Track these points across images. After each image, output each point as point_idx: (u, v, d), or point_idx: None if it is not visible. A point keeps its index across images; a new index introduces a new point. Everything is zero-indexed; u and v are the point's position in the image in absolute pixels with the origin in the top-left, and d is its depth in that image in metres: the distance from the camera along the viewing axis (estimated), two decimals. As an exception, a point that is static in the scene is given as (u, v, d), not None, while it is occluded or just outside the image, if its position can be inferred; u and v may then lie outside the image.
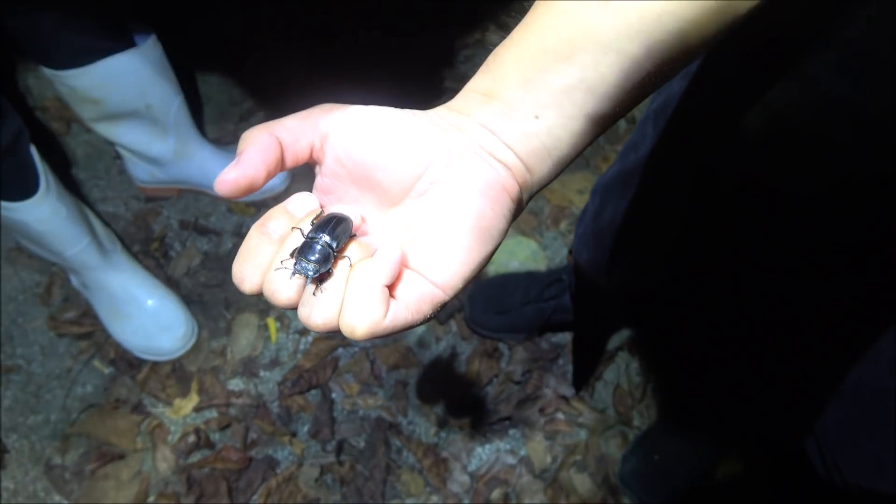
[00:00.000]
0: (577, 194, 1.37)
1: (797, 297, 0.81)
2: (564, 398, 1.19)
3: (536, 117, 0.32)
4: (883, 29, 0.45)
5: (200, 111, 1.39)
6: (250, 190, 0.32)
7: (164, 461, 1.08)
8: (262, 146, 0.32)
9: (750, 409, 1.10)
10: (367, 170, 0.33)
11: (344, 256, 0.32)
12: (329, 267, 0.32)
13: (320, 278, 0.32)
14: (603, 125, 0.33)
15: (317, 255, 0.31)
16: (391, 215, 0.34)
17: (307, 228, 0.33)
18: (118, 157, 1.33)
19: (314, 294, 0.32)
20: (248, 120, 1.40)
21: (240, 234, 1.29)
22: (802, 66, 0.50)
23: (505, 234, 0.34)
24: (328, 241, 0.32)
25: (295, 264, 0.32)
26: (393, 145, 0.32)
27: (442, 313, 1.24)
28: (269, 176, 0.33)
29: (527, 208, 1.36)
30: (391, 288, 0.31)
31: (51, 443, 1.09)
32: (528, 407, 1.18)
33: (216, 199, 1.31)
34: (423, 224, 0.32)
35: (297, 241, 0.33)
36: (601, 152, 1.43)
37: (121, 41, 1.06)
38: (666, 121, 0.65)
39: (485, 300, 1.21)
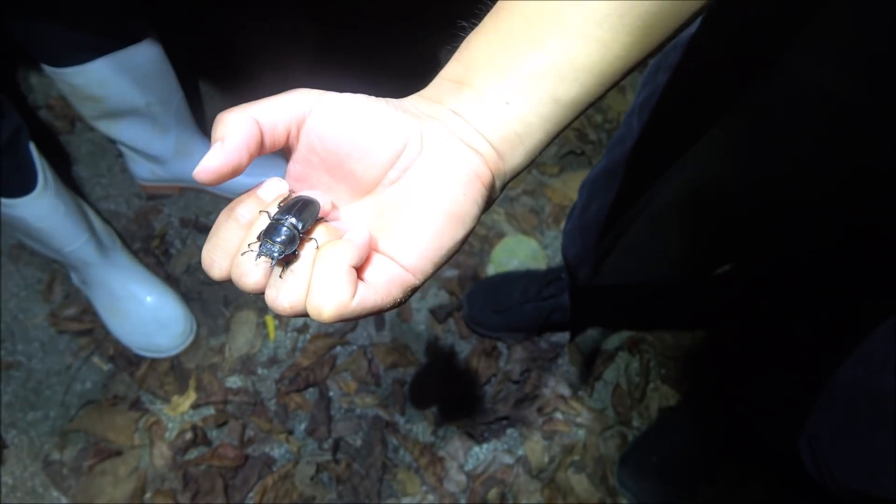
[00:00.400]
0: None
1: (790, 296, 0.80)
2: (563, 398, 1.18)
3: (507, 103, 0.32)
4: (864, 17, 0.44)
5: (201, 109, 1.39)
6: (233, 176, 0.32)
7: (161, 458, 1.08)
8: (244, 130, 0.31)
9: (748, 411, 1.09)
10: (340, 157, 0.33)
11: (311, 238, 0.32)
12: (295, 248, 0.31)
13: (286, 260, 0.31)
14: (574, 110, 0.33)
15: (282, 237, 0.31)
16: (363, 203, 0.34)
17: (274, 211, 0.33)
18: (120, 155, 1.34)
19: (280, 276, 0.31)
20: (249, 118, 1.41)
21: (240, 232, 1.29)
22: (785, 57, 0.50)
23: (477, 220, 0.34)
24: (294, 223, 0.31)
25: (260, 246, 0.31)
26: (367, 132, 0.32)
27: (441, 312, 1.24)
28: (250, 161, 0.32)
29: (528, 207, 1.35)
30: (360, 271, 0.31)
31: (49, 439, 1.10)
32: (526, 406, 1.17)
33: (217, 198, 1.32)
34: (395, 209, 0.32)
35: (265, 224, 0.32)
36: (602, 150, 1.42)
37: (121, 39, 1.07)
38: (649, 113, 0.64)
39: (484, 299, 1.21)
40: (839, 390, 0.70)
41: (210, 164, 0.31)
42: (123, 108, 1.13)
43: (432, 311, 1.24)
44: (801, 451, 0.76)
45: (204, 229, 1.29)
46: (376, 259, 0.32)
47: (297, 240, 0.31)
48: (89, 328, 1.18)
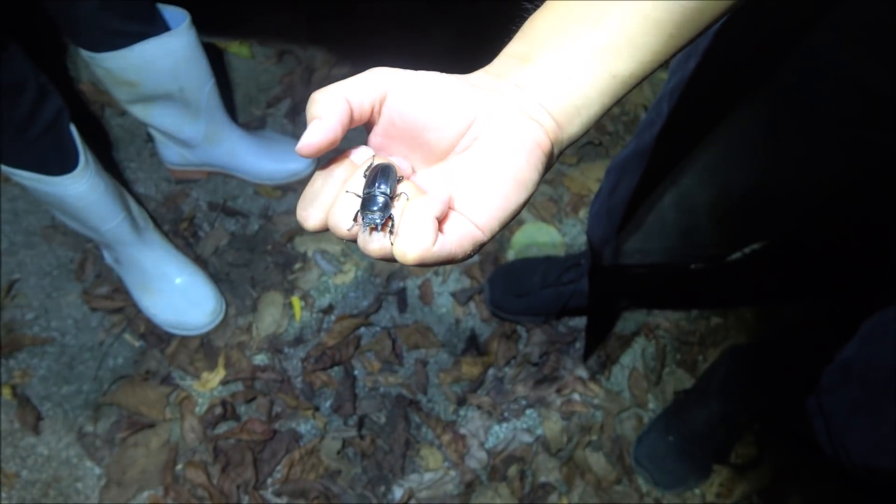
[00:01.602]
0: (597, 183, 1.39)
1: (806, 279, 0.82)
2: (581, 380, 1.21)
3: (568, 77, 0.35)
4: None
5: (229, 97, 1.43)
6: (330, 147, 0.35)
7: (192, 431, 1.12)
8: (337, 108, 0.35)
9: (762, 392, 1.12)
10: (417, 129, 0.36)
11: (400, 195, 0.36)
12: (391, 212, 0.35)
13: (385, 223, 0.35)
14: (629, 84, 0.36)
15: (378, 205, 0.35)
16: (437, 168, 0.37)
17: (361, 181, 0.36)
18: (149, 140, 1.37)
19: (384, 234, 0.35)
20: (275, 106, 1.44)
21: (266, 216, 1.32)
22: (808, 41, 0.53)
23: (537, 185, 0.37)
24: (383, 190, 0.35)
25: (363, 219, 0.35)
26: (441, 106, 0.35)
27: (462, 295, 1.27)
28: (344, 134, 0.36)
29: (547, 196, 1.38)
30: (440, 223, 0.34)
31: (83, 412, 1.13)
32: (545, 388, 1.20)
33: (244, 182, 1.35)
34: (466, 174, 0.35)
35: (358, 181, 0.36)
36: (620, 142, 1.46)
37: (156, 25, 1.10)
38: (677, 98, 0.67)
39: (504, 283, 1.24)
40: (854, 370, 0.73)
41: (312, 139, 0.35)
42: (157, 93, 1.16)
43: (454, 295, 1.27)
44: (816, 430, 0.79)
45: (231, 213, 1.32)
46: (452, 215, 0.35)
47: (390, 205, 0.35)
48: (121, 306, 1.21)
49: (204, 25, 1.48)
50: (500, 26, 0.40)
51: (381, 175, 0.36)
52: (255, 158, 1.32)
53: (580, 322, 1.26)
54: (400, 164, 0.38)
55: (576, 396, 1.21)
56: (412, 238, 0.33)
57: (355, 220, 0.35)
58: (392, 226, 0.35)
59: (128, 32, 1.06)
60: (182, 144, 1.28)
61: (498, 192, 0.35)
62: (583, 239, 1.34)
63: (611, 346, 1.25)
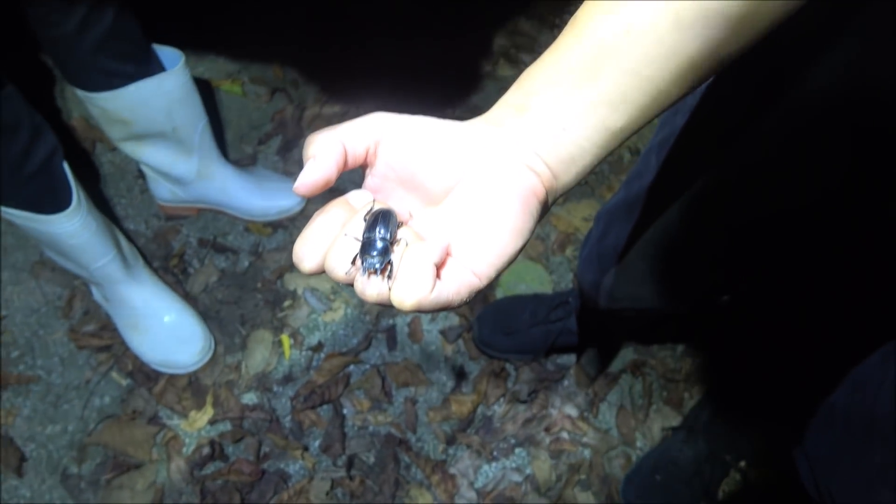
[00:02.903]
0: (583, 221, 1.42)
1: (792, 321, 0.84)
2: (569, 418, 1.22)
3: (563, 129, 0.37)
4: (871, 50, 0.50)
5: (221, 134, 1.44)
6: (325, 188, 0.36)
7: (179, 472, 1.10)
8: (333, 150, 0.36)
9: (748, 431, 1.14)
10: (413, 172, 0.38)
11: (399, 240, 0.36)
12: (390, 257, 0.36)
13: (384, 268, 0.36)
14: (622, 137, 0.38)
15: (378, 250, 0.35)
16: (433, 212, 0.38)
17: (360, 225, 0.37)
18: (140, 176, 1.38)
19: (382, 279, 0.36)
20: (266, 143, 1.46)
21: (256, 253, 1.33)
22: (792, 99, 0.56)
23: (532, 232, 0.38)
24: (383, 235, 0.36)
25: (362, 263, 0.35)
26: (437, 152, 0.37)
27: (451, 333, 1.28)
28: (339, 175, 0.37)
29: (534, 235, 1.40)
30: (438, 270, 0.35)
31: (68, 452, 1.12)
32: (533, 426, 1.21)
33: (234, 219, 1.36)
34: (464, 222, 0.36)
35: (357, 225, 0.37)
36: (606, 182, 1.49)
37: (151, 65, 1.11)
38: (667, 152, 0.70)
39: (493, 321, 1.25)
40: (837, 413, 0.75)
41: (307, 178, 0.36)
42: (151, 131, 1.17)
43: (443, 333, 1.28)
44: (801, 473, 0.80)
45: (221, 249, 1.32)
46: (450, 262, 0.36)
47: (389, 250, 0.36)
48: (108, 344, 1.21)
49: (197, 64, 1.51)
50: (487, 80, 0.42)
51: (382, 220, 0.37)
52: (246, 195, 1.33)
53: (568, 360, 1.27)
54: (398, 209, 0.38)
55: (564, 435, 1.21)
56: (410, 284, 0.33)
57: (353, 263, 0.36)
58: (390, 271, 0.35)
59: (123, 73, 1.08)
60: (174, 181, 1.29)
61: (495, 240, 0.36)
62: (570, 277, 1.36)
63: (598, 384, 1.27)
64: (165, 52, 1.14)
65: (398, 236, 0.36)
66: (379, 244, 0.36)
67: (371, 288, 0.35)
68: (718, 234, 0.74)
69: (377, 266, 0.35)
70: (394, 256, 0.36)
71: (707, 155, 0.68)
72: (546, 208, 0.38)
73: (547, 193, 0.37)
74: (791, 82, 0.56)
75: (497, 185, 0.36)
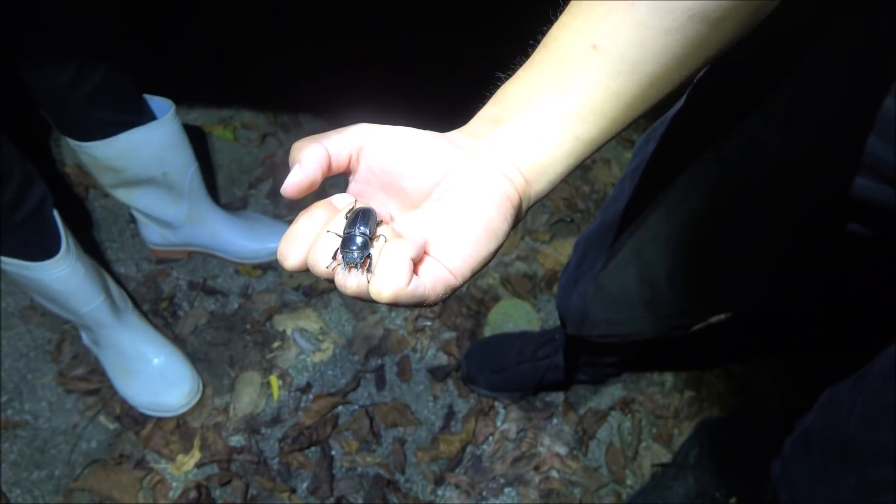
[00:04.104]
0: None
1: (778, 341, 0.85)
2: (558, 456, 1.22)
3: (536, 139, 0.39)
4: (814, 85, 0.52)
5: (213, 178, 1.47)
6: (310, 190, 0.38)
7: (165, 517, 1.10)
8: (317, 155, 0.38)
9: (736, 466, 1.13)
10: (393, 178, 0.40)
11: (378, 237, 0.38)
12: (370, 251, 0.37)
13: (363, 262, 0.38)
14: (592, 147, 0.40)
15: (357, 244, 0.37)
16: (412, 216, 0.40)
17: (342, 222, 0.39)
18: (132, 220, 1.40)
19: (361, 273, 0.37)
20: (256, 187, 1.48)
21: (246, 295, 1.34)
22: (748, 120, 0.58)
23: (507, 235, 0.40)
24: (363, 231, 0.38)
25: (342, 258, 0.37)
26: (417, 159, 0.39)
27: (440, 372, 1.28)
28: (323, 179, 0.39)
29: (521, 272, 1.42)
30: (415, 266, 0.37)
31: (54, 498, 1.11)
32: (522, 465, 1.21)
33: (224, 261, 1.37)
34: (441, 222, 0.38)
35: (339, 223, 0.39)
36: (591, 218, 1.51)
37: (143, 114, 1.14)
38: (641, 178, 0.72)
39: (481, 359, 1.26)
40: (813, 439, 0.75)
41: (294, 180, 0.38)
42: (141, 177, 1.20)
43: (431, 372, 1.29)
44: (781, 500, 0.80)
45: (211, 292, 1.34)
46: (427, 260, 0.38)
47: (369, 245, 0.38)
48: (97, 388, 1.21)
49: (190, 110, 1.54)
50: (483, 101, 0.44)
51: (362, 217, 0.39)
52: (236, 238, 1.35)
53: (557, 397, 1.28)
54: (379, 210, 0.40)
55: (554, 473, 1.21)
56: (388, 277, 0.35)
57: (334, 258, 0.37)
58: (370, 266, 0.37)
59: (115, 122, 1.10)
60: (164, 225, 1.31)
61: (470, 239, 0.37)
62: (557, 314, 1.37)
63: (587, 421, 1.26)
64: (156, 102, 1.17)
65: (378, 233, 0.38)
66: (359, 239, 0.37)
67: (351, 280, 0.37)
68: (688, 264, 0.75)
69: (357, 260, 0.37)
70: (373, 251, 0.37)
71: (676, 181, 0.70)
72: (520, 214, 0.40)
73: (521, 199, 0.39)
74: (748, 110, 0.58)
75: (473, 190, 0.38)
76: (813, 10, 0.50)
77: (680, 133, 0.70)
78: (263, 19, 1.69)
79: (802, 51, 0.52)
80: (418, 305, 0.37)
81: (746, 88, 0.58)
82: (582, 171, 1.60)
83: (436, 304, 0.38)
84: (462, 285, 0.39)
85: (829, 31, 0.50)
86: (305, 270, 0.39)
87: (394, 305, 0.36)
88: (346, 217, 0.39)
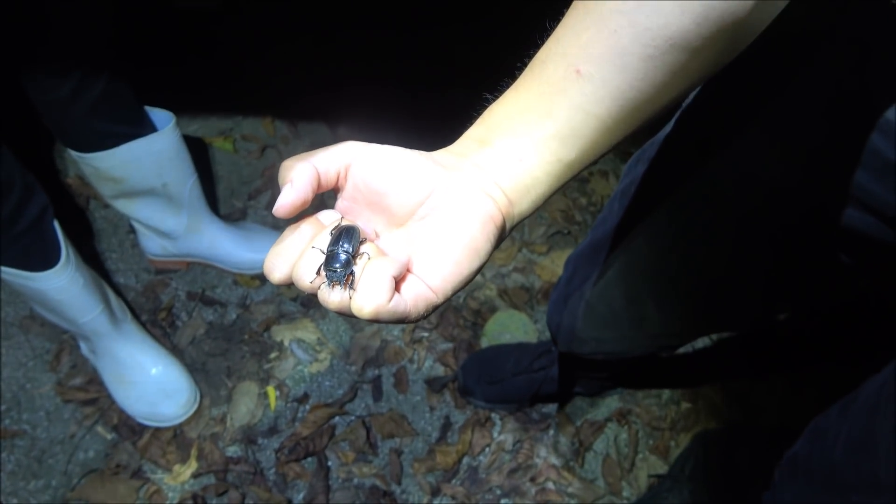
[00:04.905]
0: (566, 270, 1.44)
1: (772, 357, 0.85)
2: (555, 468, 1.22)
3: (520, 160, 0.40)
4: (800, 108, 0.53)
5: (212, 189, 1.48)
6: (302, 208, 0.39)
7: (161, 527, 1.10)
8: (307, 174, 0.39)
9: (732, 479, 1.13)
10: (379, 196, 0.40)
11: (362, 254, 0.39)
12: (352, 268, 0.38)
13: (346, 279, 0.38)
14: (574, 169, 0.41)
15: (340, 262, 0.38)
16: (397, 233, 0.41)
17: (327, 239, 0.40)
18: (131, 231, 1.41)
19: (344, 290, 0.38)
20: (256, 198, 1.49)
21: (244, 305, 1.35)
22: (736, 147, 0.59)
23: (490, 255, 0.40)
24: (346, 248, 0.39)
25: (326, 274, 0.38)
26: (402, 177, 0.40)
27: (436, 384, 1.28)
28: (313, 196, 0.39)
29: (519, 284, 1.42)
30: (398, 284, 0.37)
31: (50, 508, 1.11)
32: (519, 476, 1.21)
33: (223, 272, 1.38)
34: (424, 241, 0.39)
35: (324, 239, 0.39)
36: (587, 231, 1.51)
37: (144, 126, 1.16)
38: (630, 199, 0.73)
39: (477, 370, 1.26)
40: (800, 463, 0.76)
41: (286, 200, 0.38)
42: (141, 188, 1.21)
43: (428, 383, 1.29)
44: None
45: (210, 302, 1.34)
46: (409, 277, 0.38)
47: (351, 262, 0.38)
48: (94, 398, 1.21)
49: (191, 122, 1.56)
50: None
51: (346, 235, 0.39)
52: (235, 249, 1.36)
53: (553, 409, 1.28)
54: (364, 228, 0.41)
55: (550, 485, 1.21)
56: (369, 294, 0.36)
57: (318, 274, 0.38)
58: (352, 282, 0.38)
59: (116, 134, 1.11)
60: (164, 236, 1.32)
61: (453, 258, 0.38)
62: (554, 325, 1.38)
63: (584, 433, 1.27)
64: (157, 114, 1.19)
65: (361, 250, 0.39)
66: (342, 256, 0.38)
67: (333, 296, 0.38)
68: (674, 284, 0.76)
69: (339, 277, 0.38)
70: (356, 268, 0.38)
71: (664, 204, 0.71)
72: (503, 233, 0.41)
73: (504, 219, 0.40)
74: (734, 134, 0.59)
75: (457, 209, 0.39)
76: (798, 40, 0.51)
77: (669, 156, 0.70)
78: (265, 33, 1.71)
79: (789, 79, 0.53)
80: (399, 322, 0.38)
81: (734, 116, 0.59)
82: (579, 183, 1.61)
83: (417, 321, 0.39)
84: (443, 303, 0.39)
85: (815, 62, 0.51)
86: (291, 284, 0.40)
87: (375, 321, 0.37)
88: (331, 234, 0.40)
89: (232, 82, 1.63)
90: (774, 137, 0.55)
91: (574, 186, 1.58)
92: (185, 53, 1.64)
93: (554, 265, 1.46)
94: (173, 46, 1.64)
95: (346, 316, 0.38)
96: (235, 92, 1.62)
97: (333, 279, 0.38)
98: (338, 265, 0.38)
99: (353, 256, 0.39)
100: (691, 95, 0.65)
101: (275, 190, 1.50)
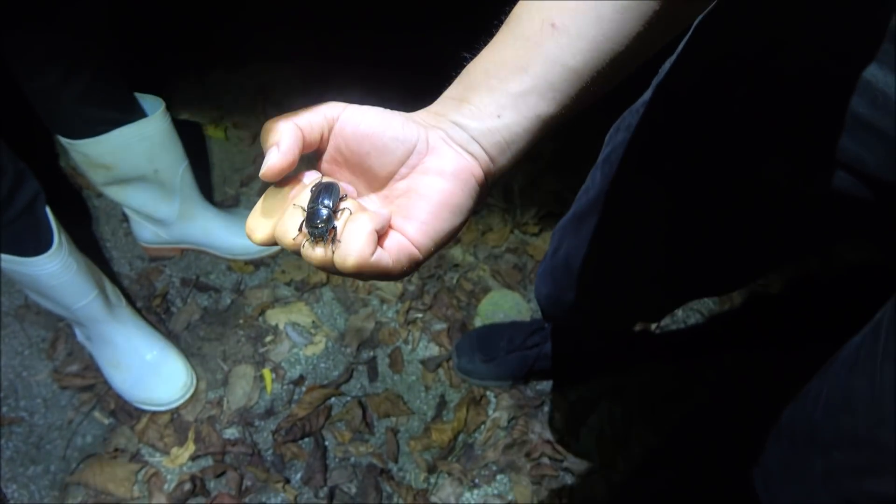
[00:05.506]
0: (558, 249, 1.45)
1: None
2: (549, 443, 1.23)
3: (498, 116, 0.40)
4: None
5: (205, 176, 1.48)
6: (289, 171, 0.39)
7: (160, 509, 1.11)
8: (293, 136, 0.39)
9: (723, 453, 1.15)
10: (360, 156, 0.41)
11: (343, 210, 0.39)
12: (334, 223, 0.39)
13: (328, 234, 0.39)
14: (552, 124, 0.41)
15: (322, 218, 0.38)
16: (378, 195, 0.41)
17: (307, 197, 0.40)
18: (124, 219, 1.41)
19: (328, 243, 0.38)
20: (248, 185, 1.50)
21: (238, 291, 1.35)
22: (714, 112, 0.59)
23: (471, 212, 0.41)
24: (326, 204, 0.39)
25: (308, 230, 0.38)
26: (384, 136, 0.40)
27: (431, 363, 1.29)
28: (298, 157, 0.40)
29: (511, 264, 1.43)
30: (380, 239, 0.38)
31: (50, 492, 1.12)
32: (514, 452, 1.22)
33: (217, 258, 1.39)
34: (404, 198, 0.40)
35: (305, 197, 0.40)
36: (579, 210, 1.52)
37: (134, 112, 1.16)
38: (611, 167, 0.74)
39: (472, 349, 1.27)
40: (784, 427, 0.77)
41: (273, 163, 0.38)
42: (133, 175, 1.21)
43: (423, 363, 1.30)
44: (757, 487, 0.82)
45: (204, 288, 1.35)
46: (391, 233, 0.39)
47: (333, 218, 0.39)
48: (91, 384, 1.22)
49: (182, 110, 1.56)
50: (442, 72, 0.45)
51: (325, 191, 0.40)
52: (227, 235, 1.36)
53: (547, 385, 1.29)
54: (345, 187, 0.42)
55: (545, 460, 1.22)
56: (352, 246, 0.36)
57: (300, 230, 0.39)
58: (334, 237, 0.38)
59: (106, 120, 1.12)
60: (156, 223, 1.33)
61: (434, 214, 0.39)
62: (547, 304, 1.39)
63: (578, 408, 1.28)
64: (147, 100, 1.19)
65: (342, 206, 0.39)
66: (323, 212, 0.39)
67: (316, 251, 0.38)
68: (657, 250, 0.77)
69: (322, 232, 0.38)
70: (338, 224, 0.38)
71: (645, 171, 0.72)
72: (485, 189, 0.42)
73: (484, 175, 0.41)
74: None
75: (437, 166, 0.39)
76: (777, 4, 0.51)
77: (648, 123, 0.71)
78: (255, 20, 1.71)
79: (769, 42, 0.53)
80: (382, 277, 0.38)
81: (714, 80, 0.60)
82: (572, 164, 1.61)
83: (399, 278, 0.39)
84: (425, 260, 0.40)
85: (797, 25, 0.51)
86: (273, 244, 0.40)
87: (358, 275, 0.37)
88: (311, 191, 0.40)
89: (222, 70, 1.63)
90: (757, 102, 0.55)
91: (566, 168, 1.59)
92: (176, 40, 1.64)
93: (546, 245, 1.47)
94: (164, 33, 1.64)
95: (330, 271, 0.38)
96: (226, 79, 1.62)
97: (316, 235, 0.38)
98: (319, 221, 0.38)
99: (334, 212, 0.39)
100: (670, 60, 0.66)
101: (266, 176, 1.50)
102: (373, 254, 0.36)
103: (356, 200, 0.40)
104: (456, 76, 0.44)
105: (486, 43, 0.43)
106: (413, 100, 0.47)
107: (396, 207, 0.40)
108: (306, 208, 0.39)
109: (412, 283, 1.39)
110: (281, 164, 0.38)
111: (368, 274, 0.37)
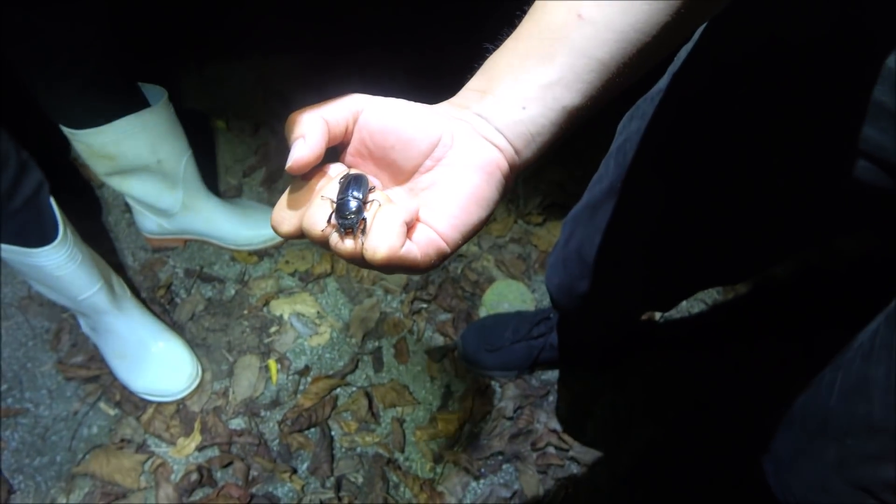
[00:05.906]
0: (562, 239, 1.45)
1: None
2: (555, 433, 1.23)
3: (523, 108, 0.39)
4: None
5: (208, 167, 1.47)
6: (315, 164, 0.39)
7: (167, 499, 1.11)
8: (319, 128, 0.38)
9: (724, 444, 1.15)
10: (385, 149, 0.40)
11: (372, 201, 0.39)
12: (363, 215, 0.38)
13: (358, 226, 0.38)
14: (578, 116, 0.41)
15: (352, 209, 0.38)
16: (403, 187, 0.41)
17: (336, 188, 0.39)
18: (127, 210, 1.41)
19: (356, 236, 0.38)
20: (250, 175, 1.49)
21: (242, 281, 1.35)
22: (732, 101, 0.59)
23: (497, 204, 0.41)
24: (356, 195, 0.39)
25: (337, 221, 0.38)
26: (407, 128, 0.39)
27: (436, 353, 1.29)
28: (325, 150, 0.39)
29: (516, 254, 1.43)
30: (408, 231, 0.38)
31: (56, 483, 1.12)
32: (520, 442, 1.22)
33: (220, 249, 1.38)
34: (431, 191, 0.39)
35: (333, 189, 0.39)
36: (583, 200, 1.52)
37: (135, 102, 1.15)
38: (625, 156, 0.73)
39: (477, 339, 1.27)
40: (795, 414, 0.77)
41: (300, 156, 0.38)
42: (135, 165, 1.20)
43: (428, 353, 1.30)
44: (766, 473, 0.82)
45: (208, 279, 1.35)
46: (419, 226, 0.38)
47: (362, 209, 0.38)
48: (96, 375, 1.22)
49: (184, 101, 1.55)
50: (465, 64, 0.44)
51: (355, 183, 0.39)
52: (231, 226, 1.36)
53: (553, 375, 1.29)
54: (372, 179, 0.41)
55: (551, 449, 1.22)
56: (382, 238, 0.36)
57: (329, 222, 0.38)
58: (363, 229, 0.38)
59: (108, 110, 1.11)
60: (160, 214, 1.32)
61: (460, 206, 0.38)
62: (552, 294, 1.38)
63: (583, 398, 1.28)
64: (150, 90, 1.18)
65: (370, 198, 0.39)
66: (353, 204, 0.38)
67: (346, 243, 0.38)
68: (671, 239, 0.76)
69: (353, 223, 0.38)
70: (367, 215, 0.38)
71: (659, 161, 0.71)
72: (510, 182, 0.41)
73: (510, 167, 0.40)
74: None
75: (462, 158, 0.39)
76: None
77: (664, 112, 0.70)
78: (255, 11, 1.69)
79: (787, 33, 0.53)
80: (410, 270, 0.38)
81: (732, 69, 0.59)
82: (575, 154, 1.61)
83: (426, 270, 0.39)
84: (453, 253, 0.39)
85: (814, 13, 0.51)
86: (300, 236, 0.39)
87: (386, 269, 0.37)
88: (340, 183, 0.40)
89: (223, 61, 1.62)
90: (775, 92, 0.55)
91: (570, 158, 1.58)
92: (177, 32, 1.63)
93: (550, 235, 1.47)
94: (166, 24, 1.63)
95: (358, 264, 0.38)
96: (227, 70, 1.61)
97: (346, 226, 0.38)
98: (349, 212, 0.38)
99: (363, 203, 0.38)
100: (686, 48, 0.66)
101: (269, 167, 1.50)
102: (402, 246, 0.36)
103: (384, 192, 0.40)
104: (468, 69, 0.43)
105: (508, 34, 0.42)
106: (413, 89, 0.46)
107: (422, 200, 0.39)
108: (335, 200, 0.39)
109: (417, 273, 1.39)
110: (308, 157, 0.38)
111: (397, 266, 0.37)
